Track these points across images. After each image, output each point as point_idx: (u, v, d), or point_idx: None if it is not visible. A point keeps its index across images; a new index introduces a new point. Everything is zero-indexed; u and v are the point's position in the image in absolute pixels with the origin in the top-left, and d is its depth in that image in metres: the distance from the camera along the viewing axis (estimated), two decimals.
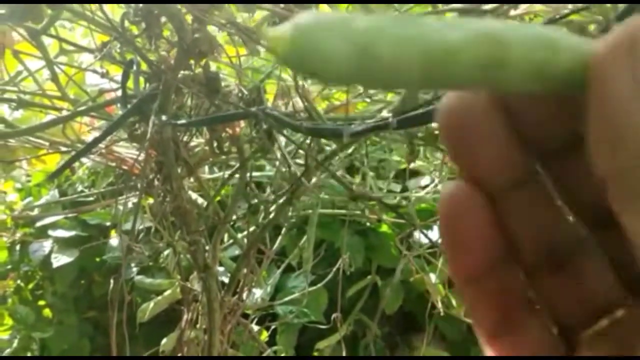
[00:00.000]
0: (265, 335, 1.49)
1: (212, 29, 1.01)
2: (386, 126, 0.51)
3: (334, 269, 1.56)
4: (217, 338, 1.12)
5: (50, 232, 1.73)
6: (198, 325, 1.24)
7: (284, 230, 1.40)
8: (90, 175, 1.91)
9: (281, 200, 1.25)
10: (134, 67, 1.05)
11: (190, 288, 1.20)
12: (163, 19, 0.84)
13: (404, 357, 1.96)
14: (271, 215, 1.25)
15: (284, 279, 1.62)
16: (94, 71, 1.21)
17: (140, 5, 0.81)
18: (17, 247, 1.79)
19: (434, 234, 1.74)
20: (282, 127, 0.82)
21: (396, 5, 1.19)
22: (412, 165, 1.77)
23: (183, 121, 0.91)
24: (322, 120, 0.97)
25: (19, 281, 1.83)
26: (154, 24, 0.78)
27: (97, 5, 1.00)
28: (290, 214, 1.31)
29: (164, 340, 1.14)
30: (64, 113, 1.20)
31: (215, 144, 0.94)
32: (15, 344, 1.79)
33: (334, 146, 1.10)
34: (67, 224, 1.74)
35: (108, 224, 1.80)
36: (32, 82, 1.32)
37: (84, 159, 1.67)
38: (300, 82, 0.88)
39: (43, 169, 1.79)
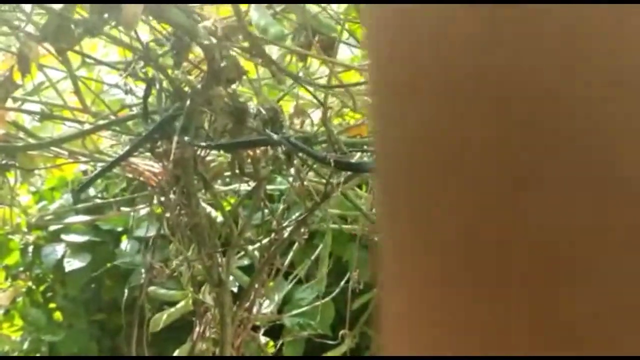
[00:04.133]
0: (271, 346, 1.51)
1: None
2: None
3: (342, 284, 1.59)
4: (228, 351, 1.14)
5: (63, 236, 1.76)
6: (207, 336, 1.26)
7: (295, 245, 1.42)
8: (104, 180, 1.94)
9: (295, 217, 1.28)
10: (157, 85, 1.08)
11: (203, 300, 1.22)
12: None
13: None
14: (284, 232, 1.28)
15: (291, 291, 1.64)
16: (117, 86, 1.24)
17: (170, 30, 0.83)
18: (30, 249, 1.82)
19: None
20: (307, 157, 0.84)
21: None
22: None
23: (206, 143, 0.94)
24: (339, 145, 1.00)
25: (30, 283, 1.85)
26: (183, 51, 0.81)
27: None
28: (302, 229, 1.33)
29: (176, 352, 1.17)
30: (85, 125, 1.23)
31: (237, 166, 0.97)
32: (25, 346, 1.82)
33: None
34: (80, 228, 1.77)
35: (120, 229, 1.83)
36: (51, 90, 1.35)
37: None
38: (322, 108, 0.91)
39: (59, 175, 1.82)
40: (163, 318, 1.20)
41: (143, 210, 1.72)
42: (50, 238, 1.80)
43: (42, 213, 1.71)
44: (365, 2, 0.18)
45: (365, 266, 1.70)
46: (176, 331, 1.27)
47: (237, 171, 0.97)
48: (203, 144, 0.93)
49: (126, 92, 1.11)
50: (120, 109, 1.22)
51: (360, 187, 1.79)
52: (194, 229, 1.07)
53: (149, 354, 1.29)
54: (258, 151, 0.96)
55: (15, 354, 1.84)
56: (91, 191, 1.97)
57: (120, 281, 1.82)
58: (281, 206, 1.42)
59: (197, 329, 1.17)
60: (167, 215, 1.23)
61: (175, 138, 0.95)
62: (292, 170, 1.39)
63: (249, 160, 1.02)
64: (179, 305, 1.22)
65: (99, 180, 1.98)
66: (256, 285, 1.27)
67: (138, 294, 1.63)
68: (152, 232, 1.71)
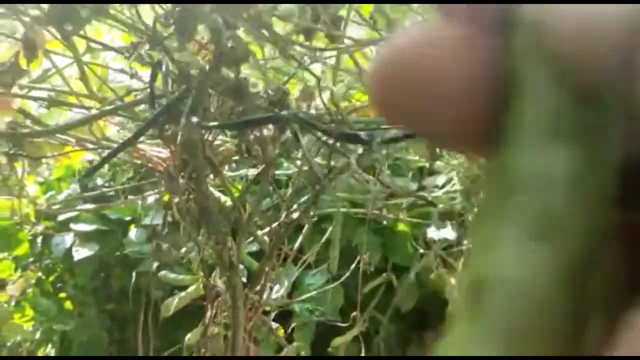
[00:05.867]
0: (282, 332, 1.51)
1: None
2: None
3: (352, 268, 1.59)
4: (240, 335, 1.14)
5: (71, 226, 1.76)
6: (218, 321, 1.26)
7: (305, 228, 1.42)
8: (111, 168, 1.94)
9: (303, 199, 1.27)
10: (163, 68, 1.07)
11: (213, 284, 1.22)
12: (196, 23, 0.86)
13: (413, 357, 1.97)
14: (293, 215, 1.27)
15: (300, 276, 1.64)
16: (123, 71, 1.23)
17: (173, 9, 0.82)
18: (39, 240, 1.82)
19: (449, 232, 1.76)
20: (311, 131, 0.84)
21: (415, 5, 1.20)
22: (429, 163, 1.78)
23: (213, 124, 0.93)
24: (348, 125, 0.99)
25: (39, 273, 1.86)
26: (187, 30, 0.80)
27: (128, 6, 1.02)
28: (311, 212, 1.33)
29: (188, 336, 1.17)
30: (92, 111, 1.23)
31: (243, 147, 0.96)
32: (37, 336, 1.83)
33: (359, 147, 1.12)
34: (88, 217, 1.77)
35: (128, 218, 1.83)
36: (57, 78, 1.34)
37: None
38: (329, 85, 0.90)
39: (66, 164, 1.82)
40: (174, 303, 1.20)
41: (151, 198, 1.72)
42: (59, 228, 1.80)
43: (50, 202, 1.71)
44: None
45: (375, 250, 1.69)
46: (188, 316, 1.27)
47: (244, 153, 0.96)
48: (211, 123, 0.92)
49: (132, 77, 1.10)
50: (127, 94, 1.21)
51: (366, 170, 1.79)
52: (204, 212, 1.07)
53: (160, 340, 1.29)
54: (265, 131, 0.95)
55: (27, 344, 1.85)
56: (98, 181, 1.97)
57: (130, 270, 1.82)
58: (289, 190, 1.42)
59: (208, 313, 1.17)
60: (176, 200, 1.22)
61: (183, 120, 0.94)
62: (300, 154, 1.38)
63: (256, 144, 1.01)
64: (189, 290, 1.22)
65: (105, 169, 1.98)
66: (266, 269, 1.27)
67: (146, 280, 1.64)
68: (160, 219, 1.71)
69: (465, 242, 1.76)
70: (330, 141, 0.86)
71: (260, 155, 1.14)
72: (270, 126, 0.96)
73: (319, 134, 0.81)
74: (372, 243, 1.67)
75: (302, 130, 0.82)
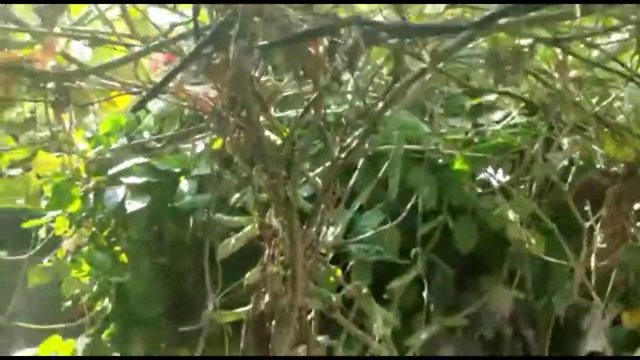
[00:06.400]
0: (340, 273, 1.48)
1: None
2: (516, 11, 0.46)
3: (408, 208, 1.53)
4: (299, 271, 1.11)
5: (122, 179, 1.75)
6: (276, 262, 1.23)
7: (360, 164, 1.37)
8: (157, 122, 1.92)
9: (358, 132, 1.22)
10: None
11: (269, 224, 1.19)
12: None
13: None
14: (347, 150, 1.22)
15: (354, 217, 1.59)
16: (164, 5, 1.19)
17: None
18: (91, 196, 1.83)
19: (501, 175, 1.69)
20: (385, 32, 0.77)
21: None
22: (485, 99, 1.70)
23: (266, 42, 0.88)
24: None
25: (94, 229, 1.87)
26: None
27: None
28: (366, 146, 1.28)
29: (247, 275, 1.14)
30: (135, 49, 1.19)
31: (298, 68, 0.91)
32: (95, 289, 1.85)
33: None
34: (138, 170, 1.76)
35: (177, 169, 1.81)
36: (99, 24, 1.31)
37: (153, 103, 1.67)
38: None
39: (113, 115, 1.81)
40: (231, 243, 1.17)
41: (200, 147, 1.69)
42: (110, 182, 1.80)
43: (99, 155, 1.71)
44: None
45: (430, 189, 1.63)
46: (246, 258, 1.24)
47: (299, 73, 0.91)
48: (263, 42, 0.87)
49: (174, 8, 1.05)
50: (169, 30, 1.17)
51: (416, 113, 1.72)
52: (256, 145, 1.03)
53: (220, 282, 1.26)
54: (321, 48, 0.90)
55: (86, 297, 1.87)
56: (146, 135, 1.96)
57: (181, 223, 1.82)
58: (339, 130, 1.37)
59: (266, 251, 1.14)
60: (227, 139, 1.18)
61: (232, 45, 0.89)
62: (351, 86, 1.32)
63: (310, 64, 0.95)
64: (245, 230, 1.19)
65: (152, 122, 1.96)
66: (322, 208, 1.22)
67: (201, 227, 1.62)
68: (209, 170, 1.68)
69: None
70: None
71: (311, 87, 1.09)
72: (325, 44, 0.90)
73: (385, 34, 0.75)
74: (428, 182, 1.61)
75: (364, 39, 0.76)
